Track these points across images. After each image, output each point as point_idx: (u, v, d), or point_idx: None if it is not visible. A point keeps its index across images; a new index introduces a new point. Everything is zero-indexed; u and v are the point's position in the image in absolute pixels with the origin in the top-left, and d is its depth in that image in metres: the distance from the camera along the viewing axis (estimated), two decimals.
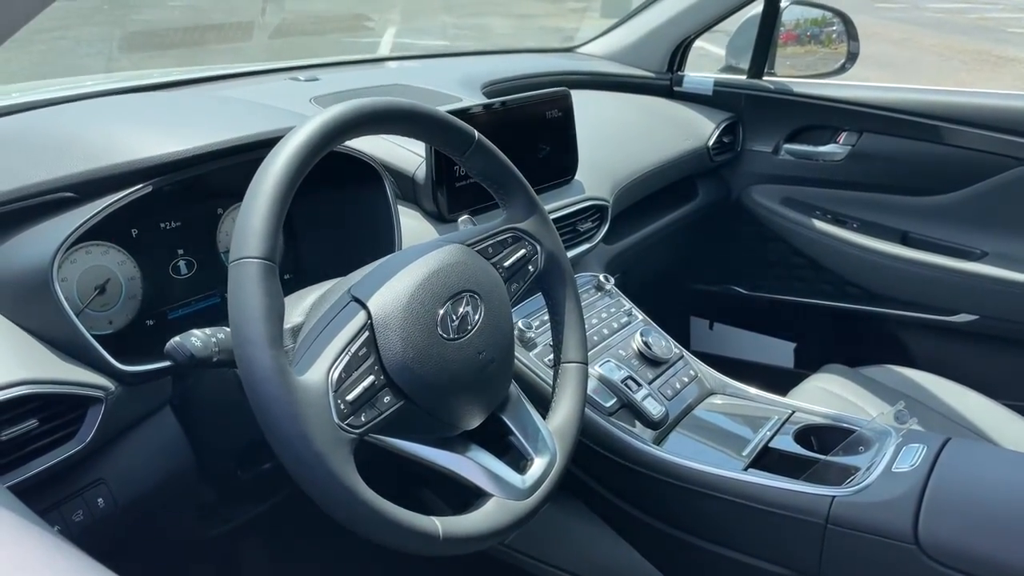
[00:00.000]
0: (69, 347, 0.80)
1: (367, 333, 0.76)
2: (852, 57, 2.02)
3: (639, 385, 1.22)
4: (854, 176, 1.86)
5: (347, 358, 0.74)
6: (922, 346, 1.83)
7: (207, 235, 1.05)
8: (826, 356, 1.61)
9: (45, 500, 0.78)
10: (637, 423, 1.18)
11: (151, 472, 0.87)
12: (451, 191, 1.19)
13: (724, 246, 2.04)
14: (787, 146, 1.93)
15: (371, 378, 0.74)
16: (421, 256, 0.83)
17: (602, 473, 1.18)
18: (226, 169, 0.96)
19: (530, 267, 0.94)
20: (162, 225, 1.00)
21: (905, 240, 1.82)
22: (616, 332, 1.32)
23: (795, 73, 2.05)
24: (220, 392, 0.90)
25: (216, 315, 1.05)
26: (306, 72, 1.48)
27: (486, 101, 1.31)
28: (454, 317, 0.81)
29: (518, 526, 0.83)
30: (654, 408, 1.19)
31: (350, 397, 0.72)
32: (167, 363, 0.86)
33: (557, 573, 1.27)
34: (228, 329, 0.76)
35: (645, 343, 1.29)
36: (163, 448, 0.89)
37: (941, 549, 0.95)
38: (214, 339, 0.75)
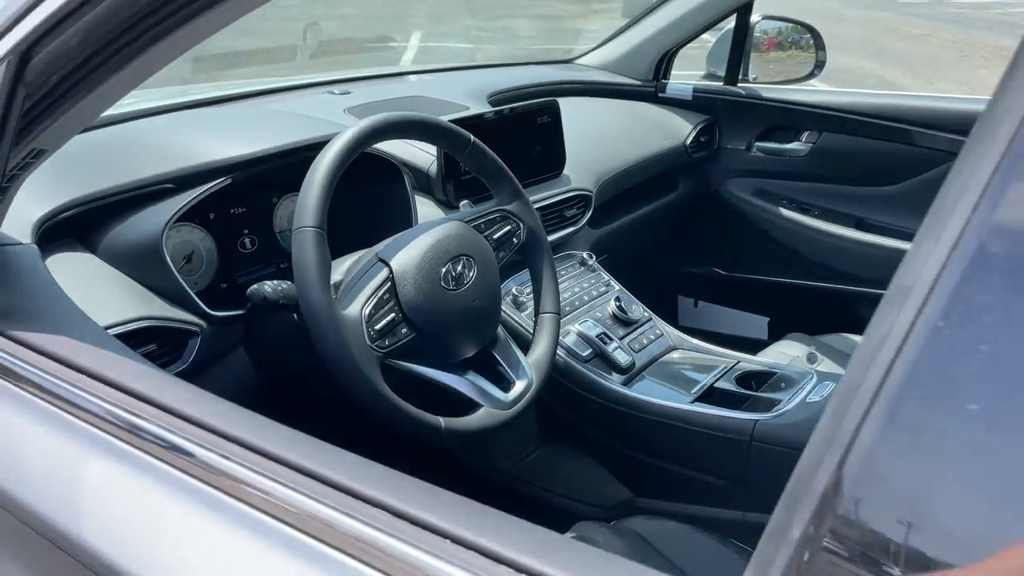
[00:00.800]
0: (173, 297, 1.10)
1: (389, 283, 1.05)
2: (820, 65, 2.28)
3: (611, 340, 1.50)
4: (816, 170, 2.12)
5: (375, 300, 1.03)
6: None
7: (266, 218, 1.35)
8: (794, 328, 1.87)
9: None
10: (609, 370, 1.46)
11: (229, 395, 1.17)
12: (457, 183, 1.48)
13: (706, 232, 2.31)
14: (758, 144, 2.19)
15: (392, 315, 1.04)
16: (430, 229, 1.12)
17: (579, 409, 1.47)
18: (281, 167, 1.26)
19: (514, 239, 1.23)
20: (232, 210, 1.30)
21: (859, 225, 2.08)
22: (595, 299, 1.60)
23: (776, 74, 2.31)
24: (276, 336, 1.20)
25: (273, 279, 1.35)
26: (339, 86, 1.78)
27: (488, 109, 1.60)
28: (454, 274, 1.10)
29: (501, 429, 1.11)
30: (622, 358, 1.47)
31: (377, 327, 1.02)
32: (242, 311, 1.16)
33: (543, 493, 1.55)
34: (287, 283, 1.06)
35: (619, 307, 1.57)
36: (239, 376, 1.19)
37: None
38: (280, 288, 1.05)
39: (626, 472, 1.46)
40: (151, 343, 1.04)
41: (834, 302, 2.16)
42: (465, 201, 1.31)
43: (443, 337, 1.08)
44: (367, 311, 1.02)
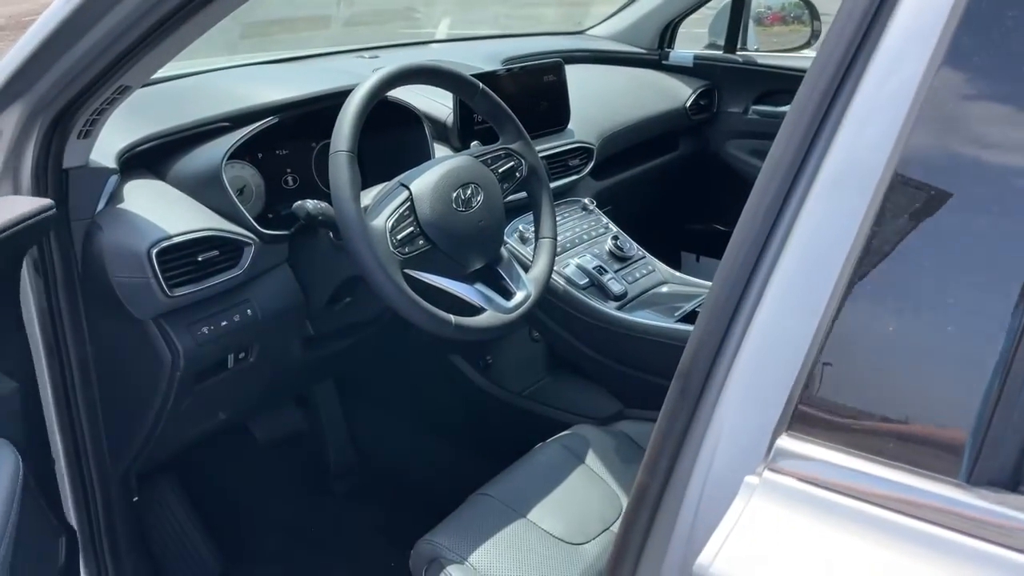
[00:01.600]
0: (231, 216, 1.32)
1: (409, 203, 1.26)
2: (816, 35, 2.44)
3: (607, 271, 1.70)
4: None
5: (396, 215, 1.24)
6: None
7: (305, 160, 1.56)
8: None
9: (221, 305, 1.30)
10: (605, 297, 1.66)
11: (276, 301, 1.39)
12: (470, 132, 1.68)
13: (708, 190, 2.50)
14: (755, 107, 2.37)
15: (411, 228, 1.24)
16: (444, 161, 1.32)
17: (577, 331, 1.67)
18: (319, 113, 1.47)
19: (517, 174, 1.43)
20: (277, 152, 1.51)
21: None
22: (594, 238, 1.80)
23: (777, 46, 2.49)
24: (316, 255, 1.41)
25: None
26: (369, 52, 1.99)
27: (499, 68, 1.80)
28: (463, 197, 1.30)
29: (503, 330, 1.32)
30: (616, 287, 1.67)
31: (398, 237, 1.22)
32: (287, 232, 1.38)
33: (547, 410, 1.76)
34: (325, 204, 1.28)
35: (616, 245, 1.76)
36: (283, 288, 1.40)
37: None
38: (320, 206, 1.26)
39: (617, 386, 1.66)
40: (214, 250, 1.25)
41: None
42: (475, 142, 1.51)
43: (453, 250, 1.29)
44: (390, 223, 1.22)
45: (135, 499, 1.50)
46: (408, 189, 1.27)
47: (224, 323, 1.30)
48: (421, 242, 1.25)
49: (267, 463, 1.94)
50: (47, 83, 1.12)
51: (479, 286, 1.34)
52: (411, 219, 1.25)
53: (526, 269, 1.44)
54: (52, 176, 1.19)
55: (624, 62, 2.40)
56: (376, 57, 1.95)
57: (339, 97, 1.48)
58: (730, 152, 2.41)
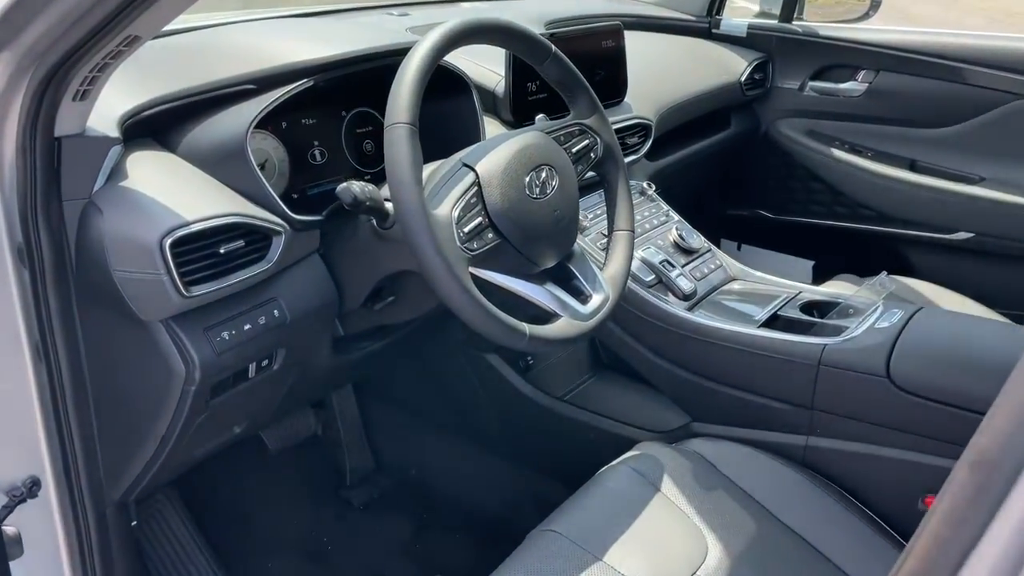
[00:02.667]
0: (256, 198, 1.09)
1: (476, 188, 1.04)
2: (875, 6, 2.23)
3: (673, 267, 1.49)
4: (870, 110, 2.09)
5: (463, 203, 1.02)
6: (925, 261, 2.07)
7: (335, 131, 1.34)
8: (840, 272, 1.87)
9: (244, 304, 1.08)
10: (671, 295, 1.46)
11: (307, 298, 1.17)
12: (524, 103, 1.46)
13: (753, 174, 2.29)
14: (812, 83, 2.16)
15: (479, 219, 1.03)
16: (512, 138, 1.11)
17: (642, 334, 1.47)
18: (357, 76, 1.24)
19: (591, 154, 1.22)
20: (303, 121, 1.29)
21: (913, 167, 2.06)
22: (656, 228, 1.59)
23: (823, 19, 2.27)
24: (355, 245, 1.19)
25: None
26: (398, 9, 1.75)
27: (553, 31, 1.57)
28: (537, 182, 1.09)
29: (579, 339, 1.11)
30: (685, 284, 1.47)
31: (466, 229, 1.01)
32: (319, 217, 1.16)
33: (599, 419, 1.56)
34: (372, 186, 1.06)
35: (680, 236, 1.56)
36: (315, 282, 1.19)
37: (906, 380, 1.22)
38: (367, 190, 1.04)
39: (685, 397, 1.46)
40: (239, 239, 1.04)
41: (882, 246, 2.14)
42: (541, 115, 1.29)
43: (525, 245, 1.08)
44: (456, 213, 1.01)
45: (133, 523, 1.29)
46: (474, 171, 1.05)
47: (248, 327, 1.09)
48: (490, 235, 1.04)
49: (277, 471, 1.74)
50: (37, 31, 0.89)
51: (550, 287, 1.13)
52: (479, 207, 1.04)
53: (598, 266, 1.24)
54: (41, 146, 0.97)
55: (671, 29, 2.18)
56: (406, 15, 1.72)
57: (383, 58, 1.26)
58: (782, 131, 2.20)
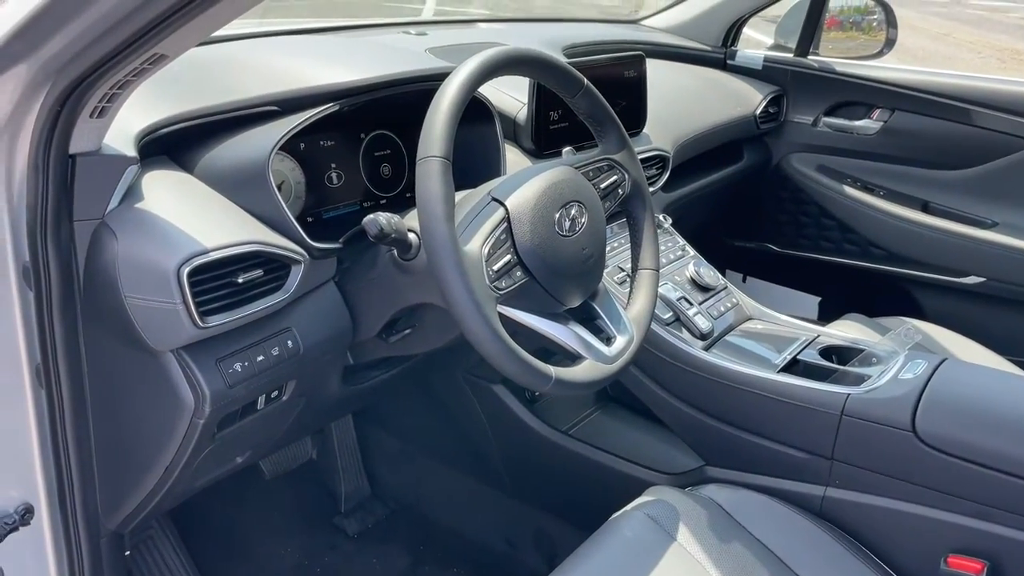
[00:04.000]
0: (273, 223, 1.05)
1: (505, 224, 1.01)
2: (890, 43, 2.23)
3: (690, 304, 1.46)
4: (884, 149, 2.07)
5: (492, 239, 0.98)
6: (934, 303, 2.06)
7: (352, 154, 1.30)
8: (847, 310, 1.84)
9: (257, 335, 1.04)
10: (688, 334, 1.42)
11: (321, 328, 1.13)
12: (546, 132, 1.43)
13: (762, 207, 2.27)
14: (826, 119, 2.14)
15: (508, 256, 0.99)
16: (542, 172, 1.07)
17: (657, 373, 1.43)
18: (379, 100, 1.20)
19: (619, 191, 1.18)
20: (321, 143, 1.25)
21: (926, 208, 2.05)
22: (672, 262, 1.56)
23: (835, 54, 2.26)
24: (373, 274, 1.15)
25: (358, 219, 1.29)
26: (416, 28, 1.72)
27: (577, 60, 1.54)
28: (567, 219, 1.05)
29: (604, 383, 1.07)
30: (703, 323, 1.43)
31: (495, 267, 0.97)
32: (337, 245, 1.12)
33: (605, 457, 1.52)
34: (397, 217, 1.02)
35: (697, 272, 1.53)
36: (329, 312, 1.14)
37: (932, 435, 1.19)
38: (393, 221, 1.00)
39: (699, 439, 1.43)
40: (257, 269, 0.99)
41: (891, 285, 2.13)
42: (568, 148, 1.26)
43: (553, 284, 1.04)
44: (486, 250, 0.97)
45: (127, 553, 1.23)
46: (504, 206, 1.02)
47: (260, 358, 1.04)
48: (519, 274, 1.01)
49: (271, 497, 1.68)
50: (58, 45, 0.85)
51: (574, 326, 1.09)
52: (508, 245, 1.00)
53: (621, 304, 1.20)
54: (55, 163, 0.92)
55: (685, 58, 2.16)
56: (424, 34, 1.68)
57: (408, 84, 1.23)
58: (794, 166, 2.18)
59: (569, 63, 1.47)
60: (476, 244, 0.97)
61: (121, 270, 0.94)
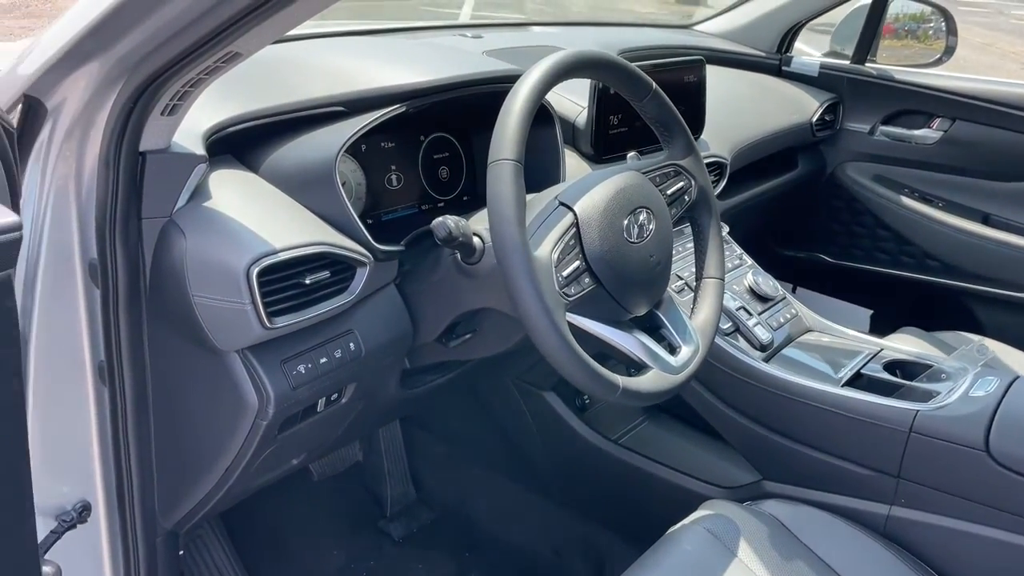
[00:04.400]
0: (339, 225, 1.04)
1: (574, 229, 0.99)
2: (949, 51, 2.17)
3: (750, 314, 1.43)
4: (944, 159, 2.02)
5: (562, 245, 0.97)
6: (992, 318, 2.00)
7: (412, 156, 1.29)
8: (899, 323, 1.80)
9: (320, 337, 1.03)
10: (747, 345, 1.39)
11: (383, 331, 1.11)
12: (605, 137, 1.41)
13: (816, 216, 2.23)
14: (883, 128, 2.10)
15: (577, 262, 0.97)
16: (610, 177, 1.05)
17: (716, 384, 1.40)
18: (442, 102, 1.19)
19: (686, 197, 1.16)
20: (382, 144, 1.24)
21: (986, 221, 1.99)
22: (729, 271, 1.53)
23: (890, 62, 2.21)
24: (434, 277, 1.14)
25: (416, 221, 1.28)
26: (471, 30, 1.71)
27: (638, 64, 1.52)
28: (635, 225, 1.03)
29: (670, 394, 1.05)
30: (762, 334, 1.40)
31: (564, 273, 0.96)
32: (399, 247, 1.10)
33: (666, 470, 1.49)
34: (465, 221, 1.00)
35: (756, 282, 1.50)
36: (390, 315, 1.13)
37: (1007, 455, 1.15)
38: (461, 224, 0.99)
39: (757, 453, 1.39)
40: (324, 270, 0.98)
41: (948, 299, 2.07)
42: (632, 153, 1.24)
43: (619, 291, 1.02)
44: (555, 255, 0.96)
45: (180, 552, 1.23)
46: (572, 211, 1.00)
47: (323, 360, 1.03)
48: (587, 280, 0.99)
49: (318, 499, 1.68)
50: (132, 42, 0.84)
51: (639, 335, 1.07)
52: (577, 250, 0.98)
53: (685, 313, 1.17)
54: (126, 160, 0.92)
55: (740, 64, 2.12)
56: (480, 37, 1.67)
57: (474, 86, 1.22)
58: (848, 175, 2.14)
59: None
60: (546, 249, 0.95)
61: (189, 269, 0.93)
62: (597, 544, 1.63)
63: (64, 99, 0.91)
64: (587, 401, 1.64)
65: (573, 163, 1.39)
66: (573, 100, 1.43)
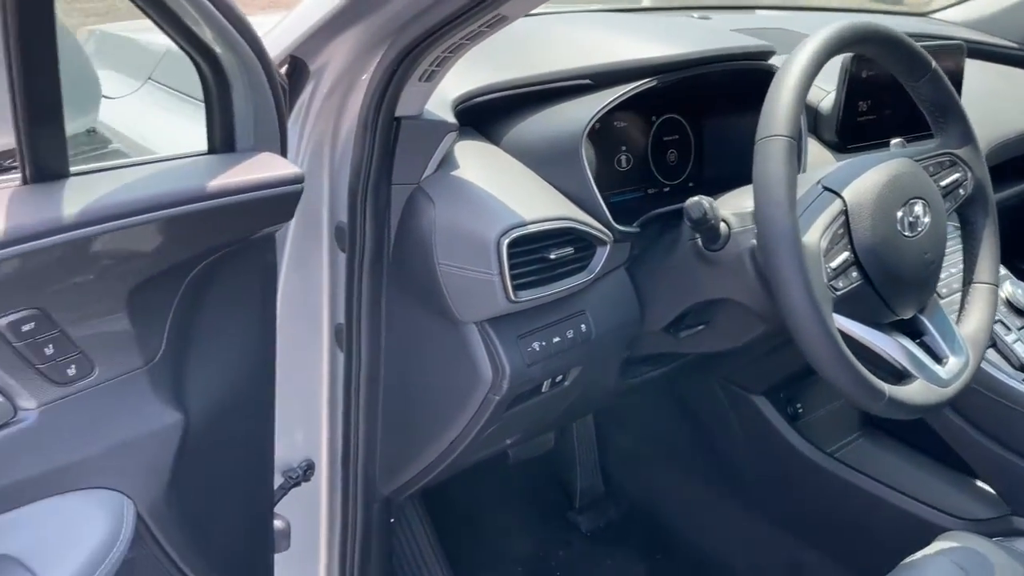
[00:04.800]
0: (581, 202, 1.00)
1: (843, 217, 0.90)
2: None
3: (1008, 329, 1.27)
4: None
5: (830, 234, 0.88)
6: None
7: (642, 138, 1.23)
8: None
9: (555, 315, 1.00)
10: (1005, 362, 1.24)
11: (613, 315, 1.07)
12: (853, 124, 1.30)
13: None
14: None
15: (846, 254, 0.89)
16: (881, 163, 0.95)
17: (965, 406, 1.26)
18: (683, 81, 1.12)
19: (960, 191, 1.04)
20: (616, 124, 1.19)
21: None
22: None
23: None
24: (668, 262, 1.08)
25: (640, 206, 1.22)
26: (698, 12, 1.63)
27: None
28: (910, 218, 0.93)
29: (938, 408, 0.94)
30: (1022, 351, 1.25)
31: (832, 264, 0.87)
32: (635, 228, 1.05)
33: (892, 494, 1.36)
34: (717, 203, 0.94)
35: (1014, 293, 1.33)
36: (620, 299, 1.09)
37: None
38: (714, 206, 0.92)
39: (1008, 484, 1.24)
40: (568, 246, 0.95)
41: None
42: (897, 140, 1.13)
43: (887, 289, 0.92)
44: (824, 244, 0.87)
45: (391, 520, 1.24)
46: (841, 197, 0.91)
47: (557, 339, 1.00)
48: (855, 274, 0.90)
49: (510, 483, 1.66)
50: (400, 4, 0.84)
51: (902, 340, 0.97)
52: (846, 241, 0.90)
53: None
54: (383, 125, 0.92)
55: (988, 56, 1.92)
56: (707, 19, 1.59)
57: (728, 61, 1.15)
58: None
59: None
60: (814, 236, 0.87)
61: (437, 237, 0.92)
62: (804, 564, 1.52)
63: (328, 61, 0.93)
64: (799, 409, 1.52)
65: (815, 150, 1.29)
66: (817, 84, 1.32)
